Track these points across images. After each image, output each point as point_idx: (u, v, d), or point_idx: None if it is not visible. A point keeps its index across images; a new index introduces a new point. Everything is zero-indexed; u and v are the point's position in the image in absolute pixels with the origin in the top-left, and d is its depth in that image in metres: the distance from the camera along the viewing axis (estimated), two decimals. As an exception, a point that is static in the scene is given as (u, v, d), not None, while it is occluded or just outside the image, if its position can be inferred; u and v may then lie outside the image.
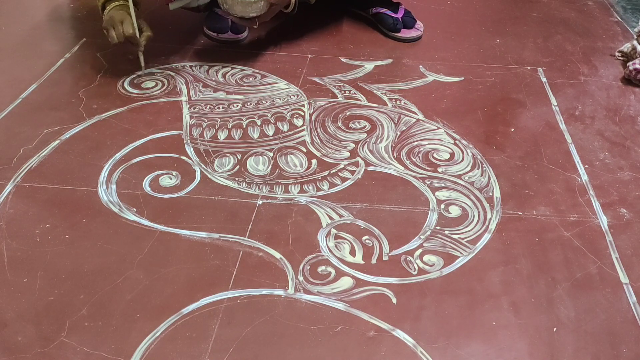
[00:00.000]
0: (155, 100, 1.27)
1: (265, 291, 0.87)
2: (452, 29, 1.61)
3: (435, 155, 1.14)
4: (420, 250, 0.94)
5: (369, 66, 1.42)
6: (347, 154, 1.14)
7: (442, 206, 1.02)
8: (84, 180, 1.05)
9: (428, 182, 1.07)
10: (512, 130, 1.22)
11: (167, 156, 1.11)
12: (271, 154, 1.13)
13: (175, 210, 0.99)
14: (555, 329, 0.83)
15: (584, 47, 1.54)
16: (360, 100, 1.30)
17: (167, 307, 0.84)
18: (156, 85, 1.32)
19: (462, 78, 1.39)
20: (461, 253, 0.94)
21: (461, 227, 0.99)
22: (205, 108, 1.25)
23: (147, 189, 1.04)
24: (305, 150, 1.14)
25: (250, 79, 1.35)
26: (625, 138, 1.21)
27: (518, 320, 0.84)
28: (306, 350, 0.79)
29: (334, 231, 0.97)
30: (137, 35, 1.28)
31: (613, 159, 1.15)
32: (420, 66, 1.43)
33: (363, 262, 0.92)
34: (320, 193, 1.04)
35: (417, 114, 1.25)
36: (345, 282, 0.88)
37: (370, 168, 1.10)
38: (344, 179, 1.08)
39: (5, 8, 1.65)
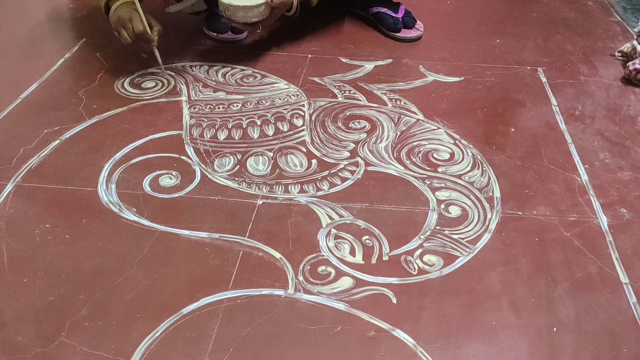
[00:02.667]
0: (155, 100, 1.27)
1: (265, 291, 0.87)
2: (452, 29, 1.61)
3: (435, 155, 1.14)
4: (420, 250, 0.94)
5: (369, 66, 1.42)
6: (347, 154, 1.14)
7: (442, 206, 1.02)
8: (84, 180, 1.05)
9: (428, 182, 1.07)
10: (512, 130, 1.22)
11: (167, 156, 1.11)
12: (271, 154, 1.13)
13: (175, 210, 0.99)
14: (555, 329, 0.83)
15: (584, 47, 1.54)
16: (360, 100, 1.30)
17: (167, 307, 0.84)
18: (156, 85, 1.32)
19: (462, 78, 1.39)
20: (461, 253, 0.94)
21: (461, 227, 0.99)
22: (205, 108, 1.25)
23: (147, 189, 1.04)
24: (305, 150, 1.14)
25: (250, 79, 1.35)
26: (625, 138, 1.21)
27: (518, 320, 0.84)
28: (306, 350, 0.79)
29: (334, 231, 0.97)
30: (148, 30, 1.25)
31: (613, 159, 1.15)
32: (420, 66, 1.43)
33: (363, 262, 0.92)
34: (320, 193, 1.04)
35: (417, 114, 1.25)
36: (345, 282, 0.88)
37: (370, 168, 1.10)
38: (344, 179, 1.08)
39: (5, 8, 1.65)
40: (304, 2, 1.41)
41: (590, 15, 1.71)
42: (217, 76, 1.36)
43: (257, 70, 1.38)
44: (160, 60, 1.32)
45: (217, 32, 1.48)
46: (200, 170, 1.08)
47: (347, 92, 1.32)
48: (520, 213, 1.02)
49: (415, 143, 1.17)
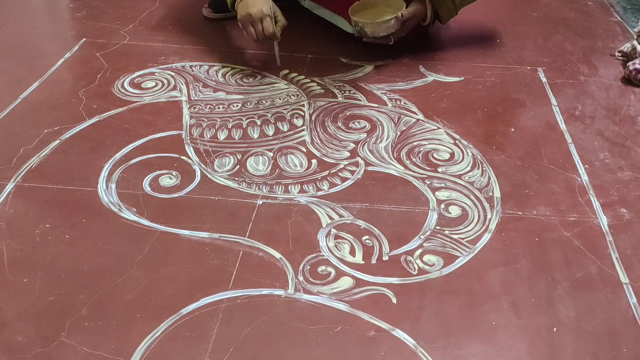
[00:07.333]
0: (155, 100, 1.27)
1: (265, 291, 0.87)
2: (452, 29, 1.61)
3: (435, 155, 1.14)
4: (420, 250, 0.94)
5: (369, 66, 1.42)
6: (347, 154, 1.14)
7: (442, 206, 1.02)
8: (84, 180, 1.05)
9: (428, 182, 1.07)
10: (512, 130, 1.22)
11: (167, 156, 1.11)
12: (271, 154, 1.13)
13: (175, 210, 0.99)
14: (555, 329, 0.83)
15: (584, 47, 1.54)
16: (360, 100, 1.30)
17: (167, 307, 0.84)
18: (156, 85, 1.32)
19: (462, 78, 1.39)
20: (461, 253, 0.94)
21: (461, 227, 0.98)
22: (205, 108, 1.25)
23: (147, 189, 1.04)
24: (305, 150, 1.14)
25: (250, 79, 1.35)
26: (625, 138, 1.21)
27: (518, 320, 0.84)
28: (306, 350, 0.79)
29: (334, 231, 0.97)
30: (277, 33, 1.30)
31: (613, 159, 1.15)
32: (420, 66, 1.43)
33: (363, 262, 0.92)
34: (320, 193, 1.04)
35: (417, 114, 1.25)
36: (345, 282, 0.88)
37: (370, 168, 1.10)
38: (344, 179, 1.08)
39: (5, 8, 1.65)
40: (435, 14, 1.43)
41: (590, 15, 1.71)
42: (217, 76, 1.36)
43: (257, 70, 1.38)
44: (278, 56, 1.37)
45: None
46: (200, 170, 1.08)
47: (347, 92, 1.32)
48: (520, 213, 1.02)
49: (415, 143, 1.17)
